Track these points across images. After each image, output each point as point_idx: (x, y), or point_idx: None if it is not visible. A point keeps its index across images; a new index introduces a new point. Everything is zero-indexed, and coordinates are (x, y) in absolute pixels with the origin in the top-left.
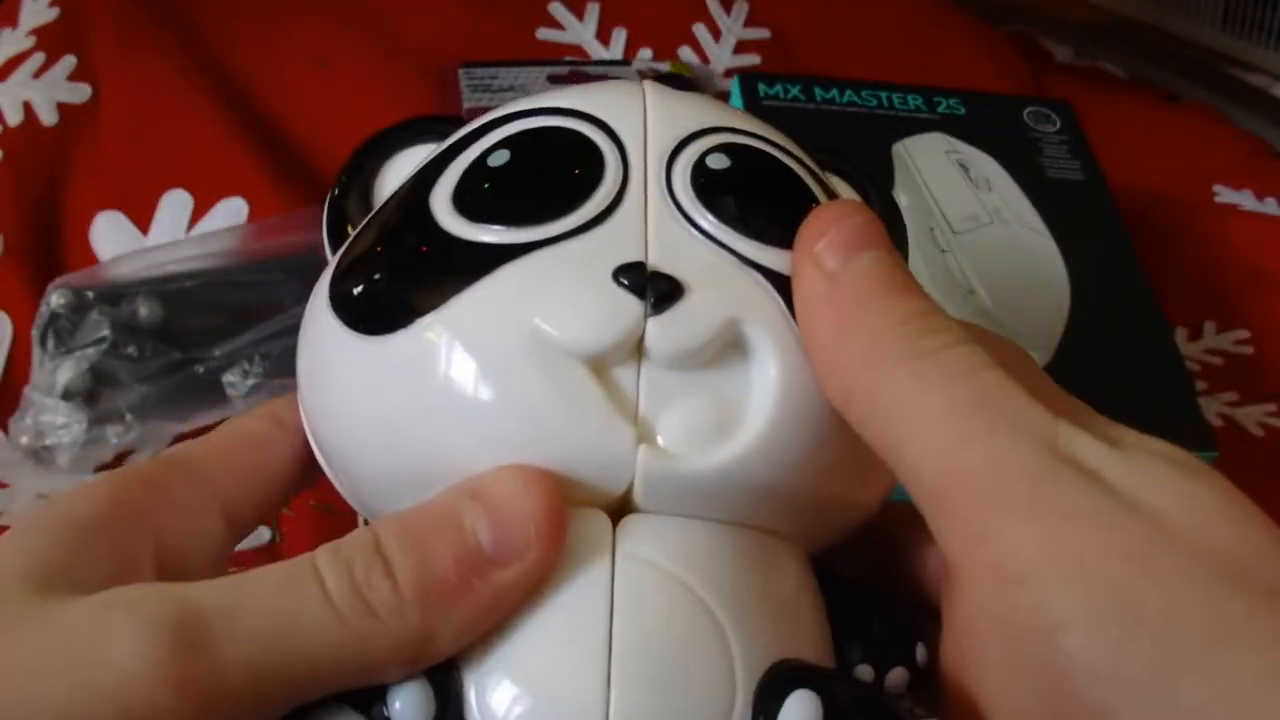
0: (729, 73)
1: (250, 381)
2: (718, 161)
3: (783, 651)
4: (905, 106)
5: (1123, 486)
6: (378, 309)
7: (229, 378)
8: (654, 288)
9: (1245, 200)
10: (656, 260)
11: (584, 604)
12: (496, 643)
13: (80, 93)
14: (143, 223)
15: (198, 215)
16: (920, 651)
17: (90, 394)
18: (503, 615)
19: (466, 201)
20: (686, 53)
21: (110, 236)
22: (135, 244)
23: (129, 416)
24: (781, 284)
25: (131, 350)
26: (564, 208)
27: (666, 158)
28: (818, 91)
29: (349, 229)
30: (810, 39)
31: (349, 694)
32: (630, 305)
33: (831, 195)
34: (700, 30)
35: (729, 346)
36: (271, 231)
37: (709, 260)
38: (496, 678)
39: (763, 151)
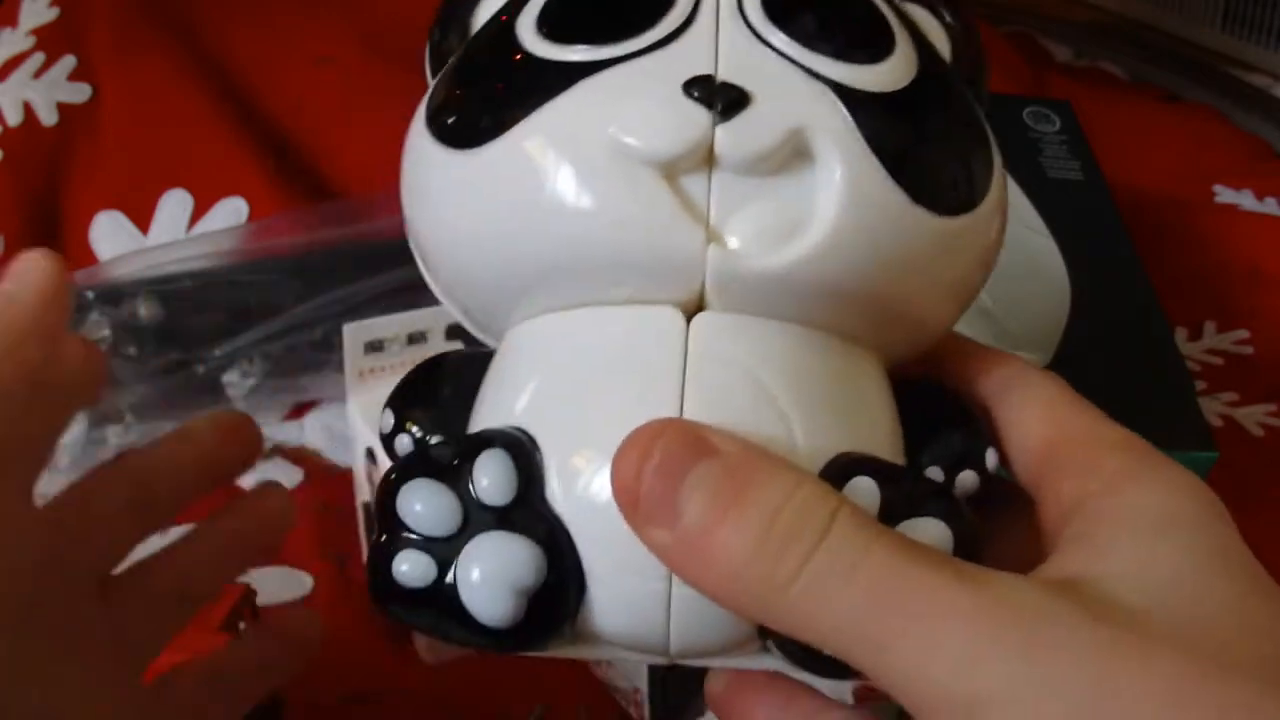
0: None
1: (250, 381)
2: None
3: (849, 446)
4: None
5: (1084, 605)
6: (467, 125)
7: (229, 378)
8: (722, 97)
9: (1245, 200)
10: (725, 73)
11: (656, 390)
12: (574, 425)
13: (80, 93)
14: (143, 223)
15: (198, 215)
16: (990, 456)
17: None
18: None
19: (549, 24)
20: None
21: (110, 236)
22: (135, 244)
23: (129, 416)
24: (847, 95)
25: (131, 350)
26: (639, 26)
27: None
28: None
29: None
30: None
31: (436, 469)
32: (699, 115)
33: (904, 19)
34: None
35: (797, 154)
36: (271, 231)
37: (777, 73)
38: (574, 455)
39: None
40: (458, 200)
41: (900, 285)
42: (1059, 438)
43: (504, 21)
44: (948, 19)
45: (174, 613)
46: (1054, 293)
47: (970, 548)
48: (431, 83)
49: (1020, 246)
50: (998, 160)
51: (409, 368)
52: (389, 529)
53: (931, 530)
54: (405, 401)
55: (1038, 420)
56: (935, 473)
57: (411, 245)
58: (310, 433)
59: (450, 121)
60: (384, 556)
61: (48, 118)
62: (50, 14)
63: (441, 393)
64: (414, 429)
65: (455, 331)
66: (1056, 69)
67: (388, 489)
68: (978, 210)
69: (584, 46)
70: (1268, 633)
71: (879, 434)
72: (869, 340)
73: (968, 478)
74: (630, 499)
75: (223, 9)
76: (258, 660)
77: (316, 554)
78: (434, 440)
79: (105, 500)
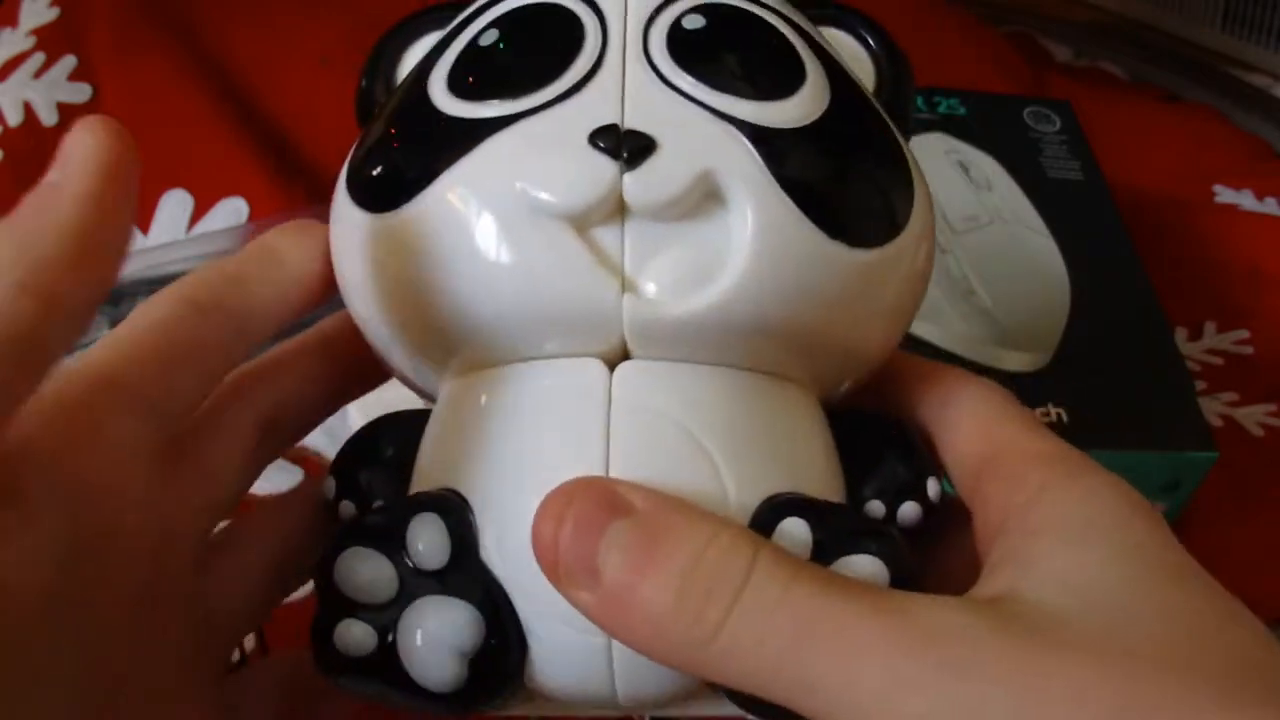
0: None
1: None
2: (693, 21)
3: (782, 486)
4: None
5: (1011, 614)
6: (382, 189)
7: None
8: (628, 145)
9: (1245, 200)
10: (631, 120)
11: (582, 447)
12: (503, 484)
13: (80, 93)
14: (143, 223)
15: (198, 215)
16: (932, 486)
17: None
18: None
19: (459, 81)
20: None
21: None
22: (135, 244)
23: None
24: (755, 134)
25: None
26: (546, 78)
27: (644, 22)
28: None
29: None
30: None
31: (371, 536)
32: (605, 165)
33: (818, 48)
34: None
35: (708, 197)
36: None
37: (683, 116)
38: (505, 514)
39: (739, 8)
40: (377, 263)
41: (822, 321)
42: (989, 451)
43: (418, 80)
44: (871, 44)
45: (269, 593)
46: (1054, 293)
47: (907, 582)
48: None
49: (1020, 246)
50: (920, 187)
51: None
52: (328, 599)
53: (865, 567)
54: (348, 466)
55: (971, 434)
56: (876, 506)
57: (352, 308)
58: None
59: (366, 185)
60: (325, 626)
61: (48, 118)
62: (50, 14)
63: (384, 455)
64: (357, 493)
65: None
66: (1056, 69)
67: (325, 559)
68: (899, 240)
69: (494, 102)
70: (1194, 629)
71: (814, 471)
72: (799, 376)
73: (909, 509)
74: (550, 561)
75: (223, 9)
76: None
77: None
78: (376, 504)
79: (230, 434)
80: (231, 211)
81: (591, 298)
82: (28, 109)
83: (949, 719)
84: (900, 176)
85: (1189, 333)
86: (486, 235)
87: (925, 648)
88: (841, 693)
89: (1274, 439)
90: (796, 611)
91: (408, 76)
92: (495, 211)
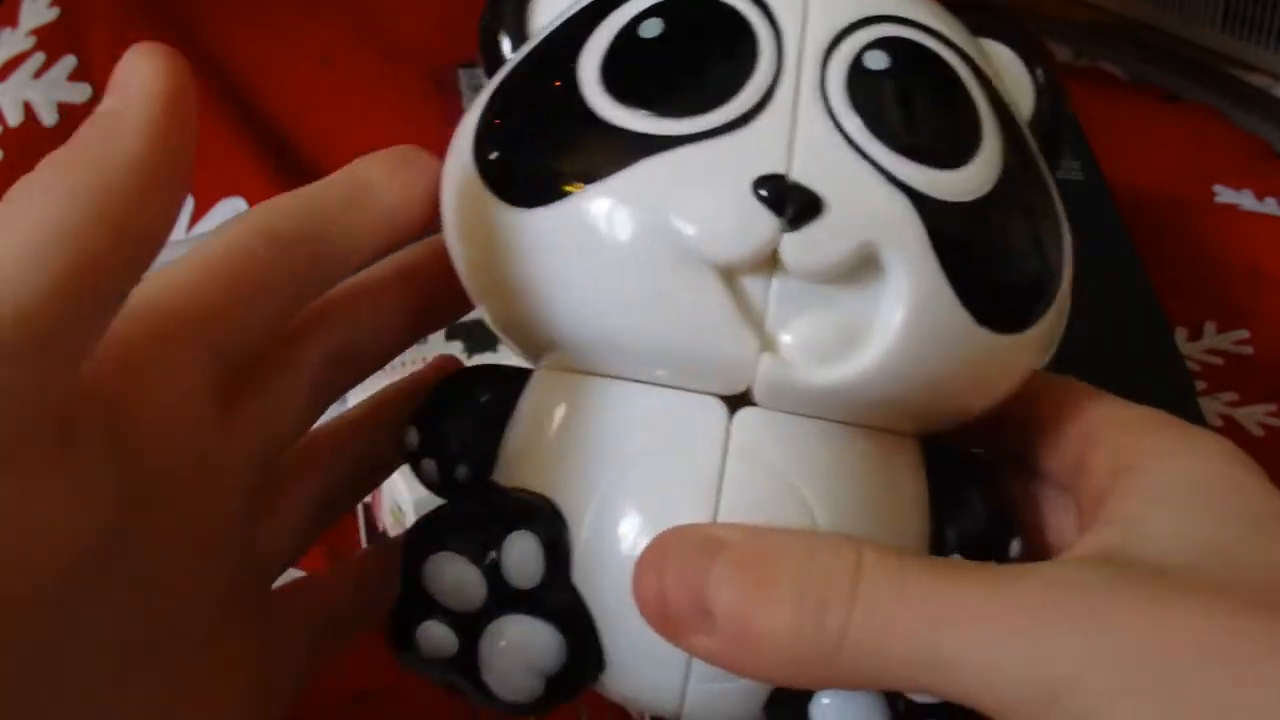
0: None
1: None
2: (876, 60)
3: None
4: None
5: (1121, 564)
6: (520, 180)
7: None
8: (793, 202)
9: (1245, 200)
10: (799, 171)
11: (693, 490)
12: (605, 512)
13: (80, 93)
14: None
15: (198, 215)
16: (1015, 547)
17: None
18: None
19: (614, 78)
20: None
21: None
22: None
23: None
24: (924, 205)
25: None
26: (713, 101)
27: (824, 50)
28: None
29: (503, 56)
30: None
31: (463, 542)
32: (765, 220)
33: (994, 98)
34: None
35: (864, 263)
36: None
37: (853, 174)
38: (604, 545)
39: (925, 49)
40: (505, 253)
41: (953, 393)
42: (1086, 430)
43: (564, 55)
44: (1039, 78)
45: (314, 526)
46: None
47: None
48: (487, 82)
49: None
50: (1069, 248)
51: (409, 367)
52: (414, 595)
53: None
54: (432, 420)
55: (1064, 422)
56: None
57: (453, 258)
58: None
59: (502, 170)
60: (407, 620)
61: (48, 118)
62: (50, 14)
63: (470, 413)
64: (440, 449)
65: (455, 332)
66: (1057, 69)
67: (416, 552)
68: (1042, 322)
69: (652, 116)
70: None
71: (907, 528)
72: (912, 430)
73: None
74: (659, 616)
75: (223, 9)
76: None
77: (317, 553)
78: (460, 472)
79: (296, 369)
80: (231, 211)
81: (728, 350)
82: (28, 109)
83: (1098, 667)
84: (1056, 254)
85: (1189, 333)
86: (627, 262)
87: (1060, 604)
88: (987, 663)
89: (1274, 439)
90: (917, 598)
91: (551, 39)
92: (641, 240)
